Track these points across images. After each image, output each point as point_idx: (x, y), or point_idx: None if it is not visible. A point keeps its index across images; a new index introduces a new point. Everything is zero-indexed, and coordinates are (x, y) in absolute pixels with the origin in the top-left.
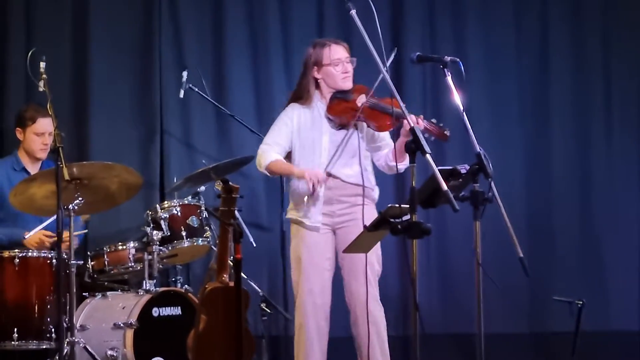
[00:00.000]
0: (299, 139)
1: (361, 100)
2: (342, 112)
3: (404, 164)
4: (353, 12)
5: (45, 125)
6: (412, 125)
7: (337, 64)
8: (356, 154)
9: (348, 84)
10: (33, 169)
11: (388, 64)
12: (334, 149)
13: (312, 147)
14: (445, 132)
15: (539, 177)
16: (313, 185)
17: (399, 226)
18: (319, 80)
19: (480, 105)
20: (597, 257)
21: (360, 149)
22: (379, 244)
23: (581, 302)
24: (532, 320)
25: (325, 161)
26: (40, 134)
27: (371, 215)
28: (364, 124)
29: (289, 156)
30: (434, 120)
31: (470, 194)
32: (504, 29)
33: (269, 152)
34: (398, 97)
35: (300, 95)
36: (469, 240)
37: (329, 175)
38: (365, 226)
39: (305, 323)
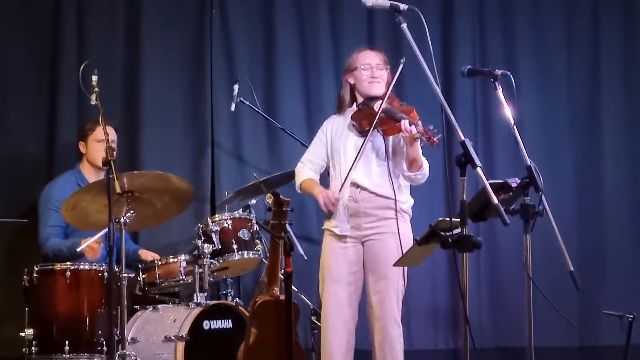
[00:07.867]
0: (332, 149)
1: (378, 105)
2: (362, 117)
3: (421, 173)
4: (404, 25)
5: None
6: (409, 132)
7: (366, 69)
8: (383, 162)
9: (375, 90)
10: None
11: (396, 76)
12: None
13: (339, 153)
14: (434, 139)
15: (590, 190)
16: (328, 208)
17: (450, 239)
18: (353, 87)
19: (531, 118)
20: None
21: (389, 157)
22: None
23: (632, 316)
24: (582, 333)
25: (348, 166)
26: (102, 140)
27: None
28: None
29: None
30: (431, 127)
31: (520, 207)
32: (554, 40)
33: (302, 172)
34: (448, 111)
35: (338, 105)
36: (520, 253)
37: (357, 186)
38: (415, 240)
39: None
